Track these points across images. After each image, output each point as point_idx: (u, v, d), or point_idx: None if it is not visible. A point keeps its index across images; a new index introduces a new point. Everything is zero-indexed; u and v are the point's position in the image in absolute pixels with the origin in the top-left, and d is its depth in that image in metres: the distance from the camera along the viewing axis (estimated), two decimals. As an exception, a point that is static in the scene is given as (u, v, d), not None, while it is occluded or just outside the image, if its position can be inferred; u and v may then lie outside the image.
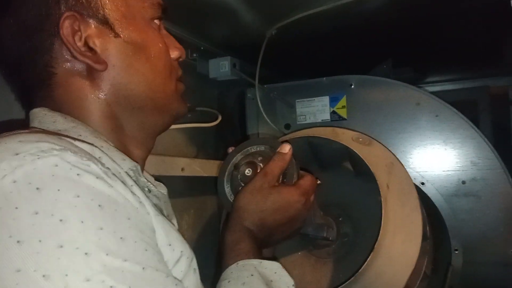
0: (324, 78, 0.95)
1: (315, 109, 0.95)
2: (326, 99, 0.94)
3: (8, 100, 0.55)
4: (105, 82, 0.47)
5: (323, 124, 0.95)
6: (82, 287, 0.31)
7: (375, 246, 0.68)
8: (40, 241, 0.31)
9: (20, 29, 0.45)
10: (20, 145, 0.35)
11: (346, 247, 0.80)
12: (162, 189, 0.53)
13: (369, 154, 0.75)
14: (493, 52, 1.13)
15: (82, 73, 0.46)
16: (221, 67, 1.00)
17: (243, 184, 0.63)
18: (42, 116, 0.45)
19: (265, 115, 0.94)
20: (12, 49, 0.46)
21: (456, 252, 0.85)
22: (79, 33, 0.44)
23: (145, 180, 0.47)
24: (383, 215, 0.69)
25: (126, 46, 0.47)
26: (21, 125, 0.46)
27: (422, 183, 0.87)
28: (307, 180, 0.63)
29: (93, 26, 0.45)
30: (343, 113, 0.93)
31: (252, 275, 0.51)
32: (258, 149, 0.66)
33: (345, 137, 0.79)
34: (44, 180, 0.33)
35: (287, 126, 1.00)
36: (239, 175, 0.65)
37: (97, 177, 0.36)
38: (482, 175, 0.84)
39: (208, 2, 0.75)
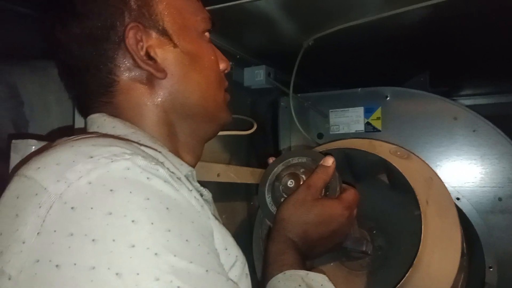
0: (359, 89, 0.95)
1: (349, 120, 0.96)
2: (360, 110, 0.94)
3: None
4: (163, 90, 0.49)
5: (356, 135, 0.95)
6: (151, 286, 0.32)
7: (415, 261, 0.67)
8: (113, 240, 0.33)
9: (86, 38, 0.47)
10: (94, 148, 0.37)
11: (380, 260, 0.79)
12: (210, 194, 0.54)
13: (408, 168, 0.74)
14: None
15: (142, 81, 0.48)
16: (256, 76, 1.01)
17: (285, 195, 0.64)
18: (101, 121, 0.48)
19: (298, 124, 0.95)
20: (78, 57, 0.48)
21: (491, 269, 0.84)
22: (141, 43, 0.47)
23: (199, 185, 0.49)
24: (422, 230, 0.69)
25: (184, 57, 0.50)
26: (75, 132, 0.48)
27: (458, 198, 0.85)
28: (350, 194, 0.63)
29: (153, 36, 0.48)
30: (377, 124, 0.93)
31: (299, 286, 0.51)
32: (299, 160, 0.67)
33: (382, 149, 0.79)
34: (117, 182, 0.35)
35: (320, 136, 1.00)
36: (281, 186, 0.65)
37: (164, 181, 0.37)
38: (520, 192, 0.83)
39: (246, 11, 0.77)
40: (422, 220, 0.69)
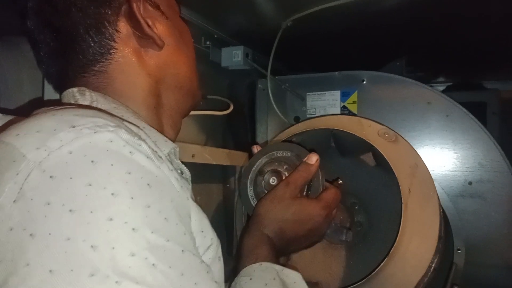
0: (337, 73, 0.95)
1: (325, 103, 0.95)
2: (337, 94, 0.94)
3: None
4: (158, 59, 0.50)
5: (333, 118, 0.95)
6: (127, 261, 0.32)
7: (391, 251, 0.69)
8: (91, 212, 0.32)
9: (88, 2, 0.47)
10: (77, 118, 0.36)
11: (359, 236, 0.81)
12: (189, 173, 0.54)
13: (394, 153, 0.75)
14: (505, 56, 1.13)
15: (139, 50, 0.49)
16: (234, 56, 1.00)
17: (267, 188, 0.64)
18: (81, 95, 0.46)
19: (275, 107, 0.95)
20: (78, 21, 0.46)
21: (459, 252, 0.86)
22: (141, 12, 0.48)
23: (180, 162, 0.48)
24: (402, 221, 0.70)
25: (174, 30, 0.53)
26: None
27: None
28: (330, 194, 0.63)
29: (149, 8, 0.50)
30: (353, 108, 0.93)
31: (274, 279, 0.52)
32: (284, 154, 0.66)
33: (371, 130, 0.79)
34: (99, 154, 0.34)
35: (296, 119, 1.00)
36: (263, 182, 0.65)
37: (147, 157, 0.37)
38: (489, 177, 0.84)
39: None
40: (403, 210, 0.71)
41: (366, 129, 0.80)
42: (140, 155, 0.36)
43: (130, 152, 0.36)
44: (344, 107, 0.94)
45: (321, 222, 0.62)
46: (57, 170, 0.33)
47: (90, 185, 0.33)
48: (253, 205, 0.64)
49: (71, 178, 0.33)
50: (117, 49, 0.48)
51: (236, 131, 1.11)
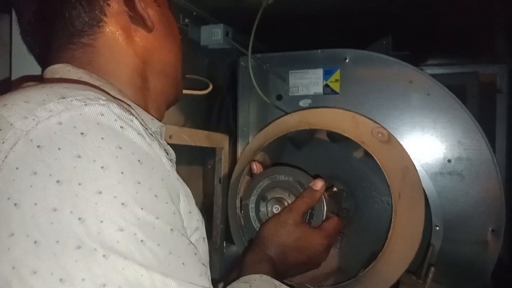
0: (319, 51, 0.94)
1: (308, 81, 0.95)
2: (320, 72, 0.93)
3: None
4: (145, 41, 0.50)
5: (315, 97, 0.95)
6: (114, 236, 0.31)
7: (378, 256, 0.72)
8: (79, 184, 0.31)
9: None
10: (67, 90, 0.35)
11: (345, 222, 0.82)
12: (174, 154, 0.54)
13: (386, 154, 0.77)
14: (485, 40, 1.14)
15: (128, 28, 0.49)
16: (214, 35, 0.97)
17: (269, 216, 0.67)
18: (65, 71, 0.45)
19: (256, 86, 0.93)
20: None
21: (437, 228, 0.87)
22: None
23: (165, 143, 0.47)
24: (391, 226, 0.73)
25: (165, 18, 0.54)
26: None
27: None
28: (332, 223, 0.65)
29: None
30: (336, 87, 0.92)
31: None
32: (286, 178, 0.68)
33: (365, 128, 0.80)
34: (89, 126, 0.33)
35: (279, 97, 0.99)
36: (266, 208, 0.67)
37: (138, 133, 0.36)
38: (468, 155, 0.86)
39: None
40: (393, 216, 0.73)
41: (361, 127, 0.81)
42: (131, 130, 0.36)
43: (121, 127, 0.35)
44: (326, 86, 0.93)
45: (322, 251, 0.64)
46: (45, 140, 0.32)
47: (79, 157, 0.32)
48: (256, 228, 0.67)
49: (59, 148, 0.32)
50: (106, 23, 0.47)
51: (216, 112, 1.09)
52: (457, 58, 1.32)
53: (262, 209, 0.69)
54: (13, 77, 0.67)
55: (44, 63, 0.50)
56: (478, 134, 0.85)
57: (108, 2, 0.47)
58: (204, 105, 1.06)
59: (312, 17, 0.98)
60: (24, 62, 0.64)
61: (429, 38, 1.10)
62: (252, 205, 0.70)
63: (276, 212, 0.67)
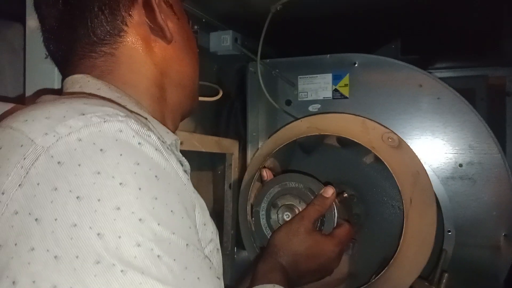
0: (328, 55, 0.94)
1: (317, 86, 0.95)
2: (329, 77, 0.94)
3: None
4: (164, 52, 0.51)
5: (324, 101, 0.95)
6: (132, 251, 0.32)
7: (391, 262, 0.72)
8: (99, 200, 0.32)
9: None
10: (86, 107, 0.36)
11: (356, 228, 0.82)
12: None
13: (397, 160, 0.77)
14: (494, 43, 1.14)
15: (147, 39, 0.50)
16: (223, 41, 0.98)
17: (280, 223, 0.67)
18: (84, 82, 0.46)
19: (265, 91, 0.93)
20: None
21: (449, 233, 0.87)
22: (156, 4, 0.49)
23: (180, 155, 0.48)
24: (403, 232, 0.72)
25: (183, 30, 0.55)
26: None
27: (420, 164, 0.87)
28: (343, 231, 0.65)
29: (163, 4, 0.51)
30: (345, 91, 0.92)
31: None
32: (296, 185, 0.68)
33: (375, 134, 0.80)
34: (108, 143, 0.34)
35: (288, 102, 0.99)
36: (277, 215, 0.68)
37: (156, 149, 0.37)
38: (479, 159, 0.85)
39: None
40: (404, 222, 0.73)
41: (371, 132, 0.81)
42: (149, 146, 0.36)
43: (139, 143, 0.36)
44: (336, 90, 0.93)
45: (334, 258, 0.65)
46: (66, 156, 0.33)
47: (98, 173, 0.33)
48: (267, 235, 0.68)
49: (79, 165, 0.32)
50: (127, 33, 0.48)
51: (225, 118, 1.09)
52: (465, 61, 1.32)
53: (273, 216, 0.69)
54: (27, 84, 0.68)
55: (65, 70, 0.51)
56: (489, 138, 0.84)
57: (130, 12, 0.48)
58: (213, 111, 1.07)
59: (320, 22, 0.98)
60: (38, 69, 0.65)
61: (438, 41, 1.09)
62: (262, 212, 0.70)
63: (287, 219, 0.67)
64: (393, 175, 0.74)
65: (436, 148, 0.87)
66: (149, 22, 0.49)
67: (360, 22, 0.96)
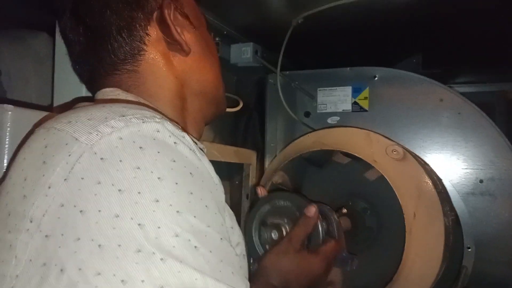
0: (348, 68, 0.95)
1: (336, 99, 0.95)
2: (348, 89, 0.94)
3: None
4: (184, 64, 0.53)
5: (343, 114, 0.95)
6: (171, 241, 0.33)
7: (394, 277, 0.72)
8: (139, 192, 0.34)
9: (123, 5, 0.49)
10: (126, 109, 0.39)
11: (369, 241, 0.83)
12: None
13: (400, 173, 0.76)
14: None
15: (166, 54, 0.51)
16: (243, 53, 0.99)
17: (269, 241, 0.70)
18: (115, 95, 0.49)
19: (284, 103, 0.94)
20: (112, 22, 0.49)
21: (469, 250, 0.85)
22: (171, 20, 0.51)
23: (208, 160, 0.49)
24: (405, 246, 0.72)
25: (201, 39, 0.56)
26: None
27: (440, 179, 0.87)
28: (329, 247, 0.68)
29: (179, 17, 0.52)
30: (364, 104, 0.93)
31: None
32: (285, 203, 0.71)
33: (379, 146, 0.80)
34: (146, 141, 0.36)
35: (307, 114, 1.00)
36: (266, 233, 0.71)
37: (190, 149, 0.39)
38: (500, 175, 0.84)
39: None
40: (406, 236, 0.73)
41: (374, 145, 0.81)
42: (183, 146, 0.38)
43: (175, 142, 0.38)
44: (355, 103, 0.94)
45: (322, 273, 0.67)
46: (108, 153, 0.35)
47: (138, 168, 0.35)
48: (258, 251, 0.71)
49: (120, 161, 0.35)
50: (146, 51, 0.50)
51: (243, 128, 1.10)
52: (485, 75, 1.31)
53: (263, 234, 0.72)
54: (55, 94, 0.70)
55: (93, 87, 0.53)
56: (510, 153, 0.84)
57: (147, 31, 0.50)
58: (231, 121, 1.08)
59: (341, 35, 0.99)
60: (66, 79, 0.67)
61: (459, 55, 1.09)
62: (254, 229, 0.73)
63: (274, 238, 0.70)
64: (394, 189, 0.74)
65: (456, 163, 0.87)
66: (166, 38, 0.51)
67: (381, 35, 0.96)
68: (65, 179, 0.34)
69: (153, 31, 0.50)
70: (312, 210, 0.67)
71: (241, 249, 0.45)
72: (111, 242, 0.32)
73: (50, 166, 0.35)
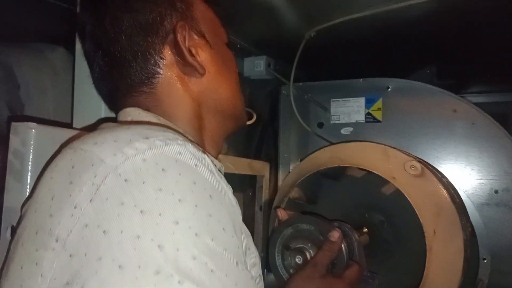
0: (361, 79, 0.96)
1: (349, 110, 0.96)
2: (361, 100, 0.95)
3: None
4: (199, 85, 0.53)
5: (357, 125, 0.96)
6: (189, 263, 0.34)
7: None
8: (160, 214, 0.35)
9: (137, 31, 0.50)
10: (150, 132, 0.40)
11: (386, 254, 0.83)
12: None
13: (419, 190, 0.76)
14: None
15: (182, 75, 0.52)
16: (256, 66, 1.01)
17: (293, 266, 0.71)
18: (136, 115, 0.50)
19: (297, 115, 0.95)
20: (127, 48, 0.50)
21: (485, 261, 0.85)
22: (186, 41, 0.51)
23: (225, 180, 0.50)
24: (426, 265, 0.72)
25: (218, 58, 0.55)
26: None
27: (454, 189, 0.86)
28: (353, 271, 0.68)
29: (194, 37, 0.53)
30: (378, 115, 0.93)
31: None
32: (307, 227, 0.72)
33: (397, 161, 0.80)
34: (169, 163, 0.37)
35: (320, 125, 1.00)
36: (290, 258, 0.72)
37: (209, 171, 0.40)
38: (516, 186, 0.84)
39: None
40: (427, 255, 0.73)
41: (392, 161, 0.81)
42: (204, 168, 0.39)
43: (196, 164, 0.39)
44: (368, 114, 0.94)
45: None
46: (132, 175, 0.36)
47: (160, 190, 0.35)
48: (282, 275, 0.72)
49: (143, 182, 0.36)
50: (162, 74, 0.51)
51: (257, 140, 1.11)
52: (499, 85, 1.31)
53: (286, 258, 0.73)
54: (75, 108, 0.71)
55: (113, 106, 0.55)
56: (526, 164, 0.83)
57: (161, 55, 0.51)
58: (244, 133, 1.09)
59: (354, 47, 1.00)
60: (86, 94, 0.69)
61: (472, 66, 1.09)
62: (277, 253, 0.74)
63: (298, 262, 0.70)
64: (414, 207, 0.74)
65: (470, 173, 0.87)
66: (180, 60, 0.51)
67: (394, 47, 0.97)
68: (90, 200, 0.35)
69: (168, 54, 0.51)
70: (335, 235, 0.67)
71: (258, 270, 0.46)
72: (132, 262, 0.33)
73: (77, 186, 0.36)
